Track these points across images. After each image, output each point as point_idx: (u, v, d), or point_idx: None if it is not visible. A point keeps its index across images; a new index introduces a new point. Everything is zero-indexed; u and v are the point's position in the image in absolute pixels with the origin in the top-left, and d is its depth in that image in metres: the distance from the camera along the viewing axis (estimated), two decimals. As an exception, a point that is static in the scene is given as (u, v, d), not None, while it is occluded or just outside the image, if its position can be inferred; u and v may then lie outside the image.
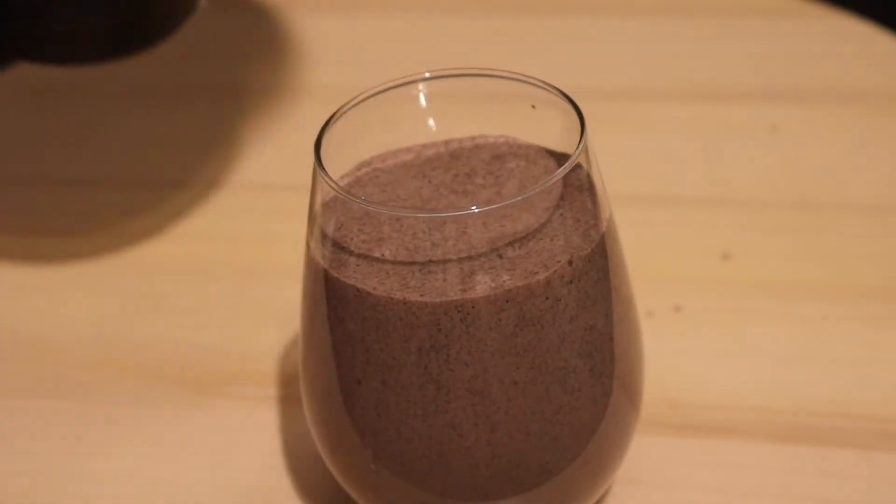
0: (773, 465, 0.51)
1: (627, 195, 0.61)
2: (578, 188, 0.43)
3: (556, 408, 0.43)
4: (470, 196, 0.45)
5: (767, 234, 0.63)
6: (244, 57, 0.82)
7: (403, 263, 0.41)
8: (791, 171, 0.67)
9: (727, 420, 0.53)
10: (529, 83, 0.45)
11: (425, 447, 0.43)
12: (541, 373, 0.42)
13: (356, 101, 0.45)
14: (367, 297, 0.41)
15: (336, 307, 0.43)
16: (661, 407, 0.53)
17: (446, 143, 0.47)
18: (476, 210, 0.41)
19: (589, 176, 0.43)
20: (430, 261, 0.41)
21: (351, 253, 0.42)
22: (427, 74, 0.46)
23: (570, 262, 0.42)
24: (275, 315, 0.59)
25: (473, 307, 0.41)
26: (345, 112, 0.45)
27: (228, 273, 0.63)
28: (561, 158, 0.45)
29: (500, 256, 0.41)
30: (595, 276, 0.43)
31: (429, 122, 0.47)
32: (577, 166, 0.42)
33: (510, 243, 0.41)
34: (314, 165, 0.43)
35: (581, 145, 0.42)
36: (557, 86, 0.44)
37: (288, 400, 0.55)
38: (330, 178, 0.42)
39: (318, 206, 0.44)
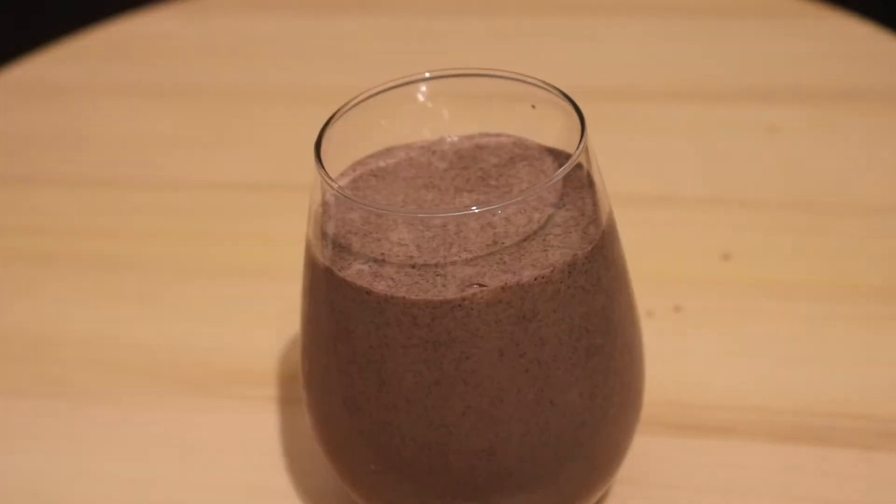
0: (773, 465, 0.51)
1: (627, 195, 0.61)
2: (579, 188, 0.43)
3: (556, 408, 0.43)
4: (470, 195, 0.45)
5: (767, 234, 0.63)
6: (244, 57, 0.82)
7: (403, 263, 0.41)
8: (791, 172, 0.67)
9: (727, 420, 0.53)
10: (529, 83, 0.45)
11: (425, 447, 0.43)
12: (540, 372, 0.42)
13: (356, 101, 0.45)
14: (368, 296, 0.41)
15: (336, 307, 0.43)
16: (661, 407, 0.53)
17: (446, 142, 0.47)
18: (476, 210, 0.41)
19: (589, 175, 0.43)
20: (431, 260, 0.41)
21: (351, 252, 0.42)
22: (427, 74, 0.46)
23: (570, 262, 0.42)
24: (275, 315, 0.59)
25: (473, 306, 0.41)
26: (345, 112, 0.45)
27: (228, 273, 0.64)
28: (562, 158, 0.45)
29: (500, 256, 0.41)
30: (595, 275, 0.43)
31: (429, 122, 0.47)
32: (578, 166, 0.42)
33: (510, 243, 0.41)
34: (314, 165, 0.43)
35: (581, 145, 0.42)
36: (557, 86, 0.44)
37: (288, 400, 0.55)
38: (330, 178, 0.42)
39: (318, 206, 0.44)
